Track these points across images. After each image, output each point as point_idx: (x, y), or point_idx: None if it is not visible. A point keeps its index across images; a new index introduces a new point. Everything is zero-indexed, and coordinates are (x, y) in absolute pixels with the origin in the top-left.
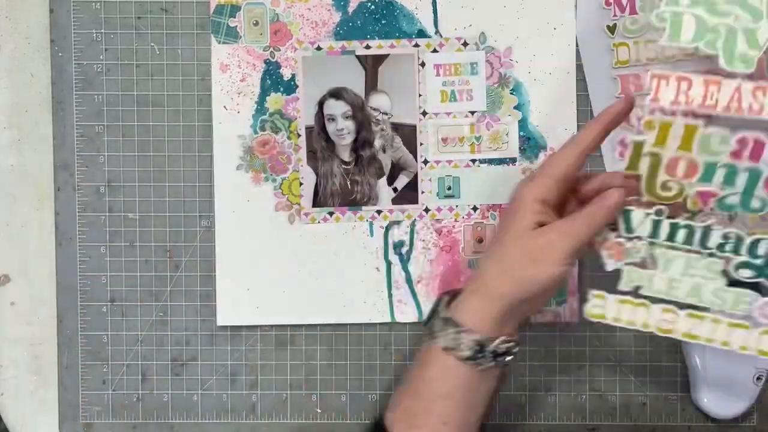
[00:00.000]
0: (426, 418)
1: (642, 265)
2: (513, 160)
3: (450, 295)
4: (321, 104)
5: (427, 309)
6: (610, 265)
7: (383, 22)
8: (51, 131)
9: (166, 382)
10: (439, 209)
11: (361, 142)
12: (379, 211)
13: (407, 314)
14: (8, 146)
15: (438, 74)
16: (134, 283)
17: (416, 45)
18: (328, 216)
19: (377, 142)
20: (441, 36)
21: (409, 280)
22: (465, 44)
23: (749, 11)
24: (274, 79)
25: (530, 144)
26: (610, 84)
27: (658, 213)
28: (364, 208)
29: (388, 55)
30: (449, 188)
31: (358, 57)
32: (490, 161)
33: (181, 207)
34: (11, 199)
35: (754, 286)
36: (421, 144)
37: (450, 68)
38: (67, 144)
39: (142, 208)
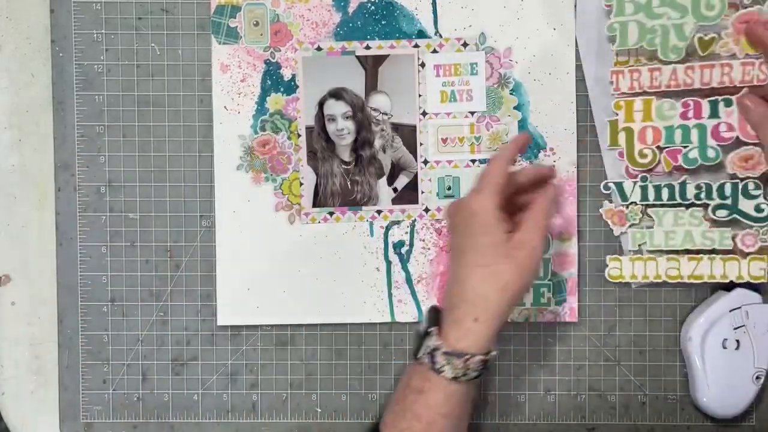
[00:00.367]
0: None
1: (642, 226)
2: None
3: (432, 318)
4: (321, 104)
5: (427, 309)
6: (616, 231)
7: (383, 22)
8: (52, 131)
9: (166, 382)
10: (439, 209)
11: (361, 143)
12: (379, 211)
13: (407, 314)
14: (9, 146)
15: (438, 74)
16: (135, 283)
17: (416, 45)
18: (328, 216)
19: (377, 143)
20: (441, 36)
21: (409, 280)
22: (465, 45)
23: (677, 9)
24: (274, 80)
25: (530, 144)
26: (609, 84)
27: (643, 179)
28: (364, 208)
29: (388, 55)
30: (449, 188)
31: (358, 57)
32: None
33: (181, 207)
34: (12, 199)
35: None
36: (421, 144)
37: (450, 68)
38: (67, 144)
39: (142, 208)
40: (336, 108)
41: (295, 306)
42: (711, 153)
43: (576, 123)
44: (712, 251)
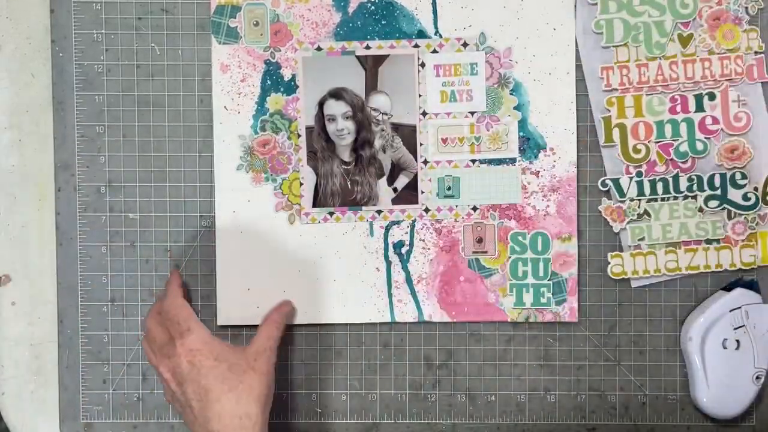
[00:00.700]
0: None
1: (640, 221)
2: (513, 161)
3: None
4: (321, 104)
5: (426, 309)
6: (616, 228)
7: (383, 22)
8: (52, 131)
9: None
10: (439, 209)
11: (361, 143)
12: (379, 211)
13: (407, 314)
14: (9, 146)
15: (438, 75)
16: (135, 283)
17: (416, 45)
18: (328, 216)
19: (377, 143)
20: (441, 36)
21: (409, 280)
22: (465, 45)
23: (656, 7)
24: (274, 80)
25: (530, 144)
26: (600, 80)
27: (638, 175)
28: (364, 208)
29: (388, 55)
30: (449, 188)
31: (358, 57)
32: (490, 161)
33: (181, 207)
34: (12, 199)
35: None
36: (421, 144)
37: (450, 69)
38: (67, 144)
39: (142, 208)
40: (336, 108)
41: (295, 306)
42: (699, 146)
43: (576, 123)
44: (707, 242)
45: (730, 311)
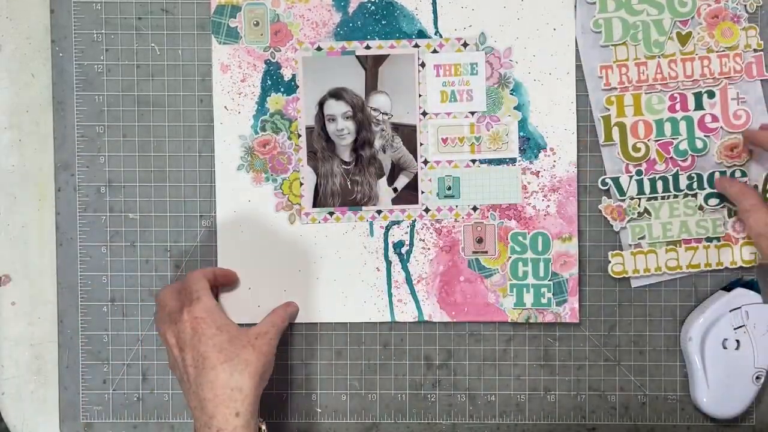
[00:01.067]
0: None
1: (640, 220)
2: (513, 161)
3: None
4: (321, 104)
5: (426, 309)
6: (616, 226)
7: (383, 22)
8: (52, 131)
9: (166, 382)
10: (439, 209)
11: (361, 143)
12: (379, 211)
13: (407, 314)
14: (9, 146)
15: (438, 74)
16: (135, 283)
17: (416, 45)
18: (328, 216)
19: (377, 143)
20: (441, 36)
21: (408, 280)
22: (465, 45)
23: (655, 6)
24: (274, 80)
25: (530, 144)
26: (599, 79)
27: (638, 173)
28: (364, 208)
29: (388, 55)
30: (449, 188)
31: (358, 57)
32: (490, 161)
33: (181, 207)
34: (12, 199)
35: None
36: (421, 144)
37: (450, 68)
38: (67, 144)
39: (142, 208)
40: (336, 108)
41: (297, 306)
42: (699, 144)
43: (576, 123)
44: (707, 240)
45: (730, 311)
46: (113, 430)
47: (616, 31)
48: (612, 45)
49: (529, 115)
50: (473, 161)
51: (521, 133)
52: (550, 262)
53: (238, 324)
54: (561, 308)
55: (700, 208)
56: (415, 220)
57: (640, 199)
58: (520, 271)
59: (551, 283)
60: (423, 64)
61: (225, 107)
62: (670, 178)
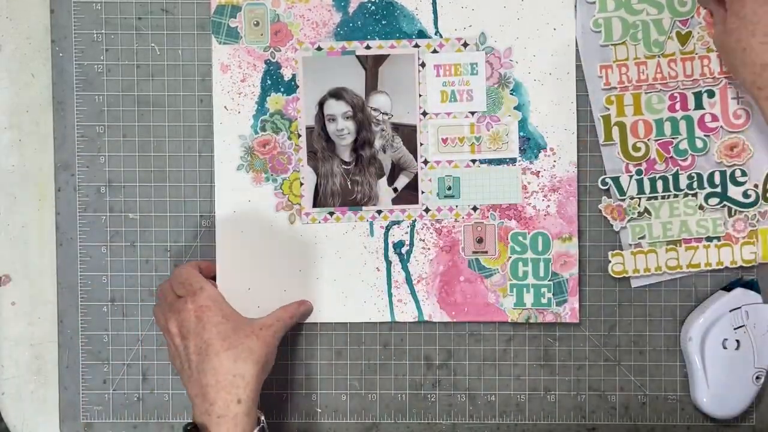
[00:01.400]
0: None
1: (640, 219)
2: (513, 161)
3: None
4: (321, 104)
5: (426, 309)
6: (616, 226)
7: (383, 22)
8: (52, 131)
9: (166, 382)
10: (439, 209)
11: (362, 143)
12: (379, 211)
13: (407, 314)
14: (9, 146)
15: (438, 74)
16: (135, 282)
17: (416, 45)
18: (328, 216)
19: (377, 143)
20: (441, 36)
21: (409, 280)
22: (465, 45)
23: (654, 5)
24: (274, 80)
25: (530, 144)
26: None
27: (638, 173)
28: (364, 208)
29: (388, 55)
30: (449, 188)
31: (358, 57)
32: (491, 161)
33: (181, 207)
34: (12, 199)
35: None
36: (422, 144)
37: (450, 68)
38: (67, 144)
39: (142, 208)
40: (336, 108)
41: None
42: (699, 143)
43: (576, 123)
44: (707, 239)
45: (730, 311)
46: (113, 430)
47: (615, 31)
48: (612, 44)
49: (529, 115)
50: (473, 161)
51: (521, 133)
52: (550, 262)
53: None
54: (561, 308)
55: (700, 207)
56: (415, 220)
57: (640, 198)
58: (520, 271)
59: (551, 283)
60: (423, 64)
61: (225, 107)
62: (670, 178)
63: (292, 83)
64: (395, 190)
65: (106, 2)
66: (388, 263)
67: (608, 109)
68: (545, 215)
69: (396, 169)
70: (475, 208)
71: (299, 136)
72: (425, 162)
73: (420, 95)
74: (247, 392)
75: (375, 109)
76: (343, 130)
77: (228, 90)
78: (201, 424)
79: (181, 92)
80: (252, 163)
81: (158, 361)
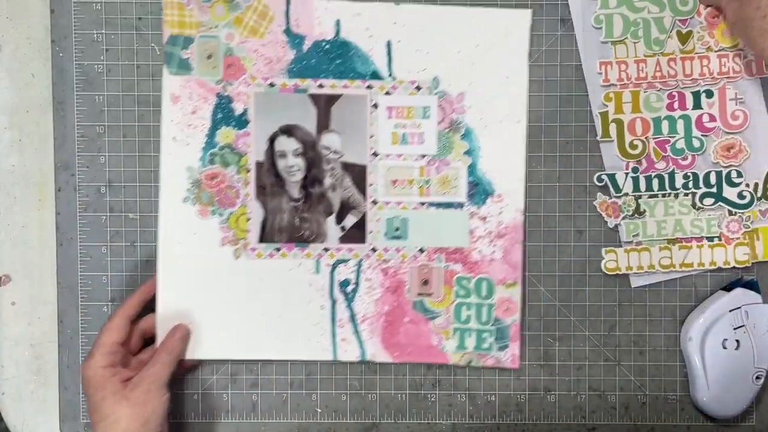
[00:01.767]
0: None
1: (635, 217)
2: (461, 205)
3: None
4: (272, 140)
5: (369, 348)
6: (611, 223)
7: (338, 61)
8: (52, 131)
9: None
10: (386, 249)
11: (311, 180)
12: (326, 249)
13: (350, 353)
14: (9, 146)
15: (390, 116)
16: (135, 283)
17: (369, 86)
18: (274, 252)
19: (327, 181)
20: (394, 79)
21: (353, 319)
22: (418, 88)
23: (656, 4)
24: (225, 113)
25: (478, 189)
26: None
27: (634, 170)
28: (311, 245)
29: (341, 95)
30: (397, 229)
31: (311, 96)
32: (439, 204)
33: None
34: (12, 199)
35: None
36: (371, 184)
37: (402, 111)
38: (67, 144)
39: (142, 208)
40: (287, 144)
41: (238, 341)
42: (696, 143)
43: (525, 170)
44: (701, 239)
45: (730, 311)
46: None
47: (616, 28)
48: (612, 41)
49: (479, 160)
50: (422, 203)
51: (470, 178)
52: (493, 308)
53: (180, 359)
54: (502, 353)
55: (695, 207)
56: (362, 259)
57: (635, 196)
58: (463, 314)
59: (494, 328)
60: (376, 105)
61: (174, 138)
62: (666, 177)
63: (243, 118)
64: (343, 228)
65: (106, 2)
66: (333, 301)
67: (606, 105)
68: (490, 260)
69: (345, 208)
70: (422, 250)
71: (248, 170)
72: (374, 202)
73: (371, 136)
74: None
75: (326, 148)
76: (293, 166)
77: (177, 121)
78: None
79: None
80: (198, 196)
81: None
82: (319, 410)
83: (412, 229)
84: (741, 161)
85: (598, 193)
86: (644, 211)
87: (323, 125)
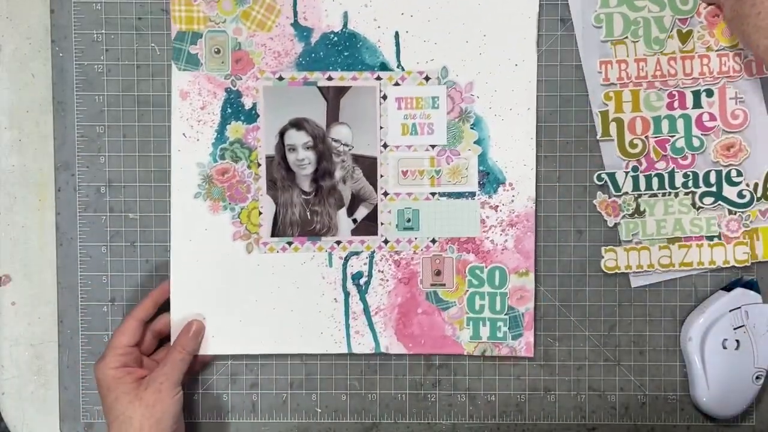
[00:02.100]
0: None
1: (635, 216)
2: (472, 194)
3: None
4: (282, 134)
5: (384, 340)
6: (610, 222)
7: (346, 54)
8: (52, 131)
9: None
10: (398, 241)
11: (322, 173)
12: (338, 242)
13: (364, 345)
14: (9, 146)
15: (399, 107)
16: (135, 283)
17: (378, 78)
18: (286, 246)
19: (338, 173)
20: (403, 69)
21: (366, 311)
22: (427, 78)
23: (656, 2)
24: (234, 108)
25: (489, 179)
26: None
27: (634, 169)
28: (323, 238)
29: (350, 87)
30: (408, 220)
31: (319, 88)
32: (450, 195)
33: None
34: (12, 199)
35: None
36: (382, 176)
37: (411, 102)
38: (67, 144)
39: (142, 208)
40: (297, 138)
41: (252, 336)
42: (696, 142)
43: (535, 159)
44: (701, 238)
45: (730, 311)
46: None
47: (617, 27)
48: (612, 41)
49: (489, 149)
50: (433, 194)
51: (481, 168)
52: (506, 297)
53: (194, 356)
54: (516, 342)
55: (695, 206)
56: (374, 251)
57: (635, 195)
58: (477, 304)
59: (507, 317)
60: (385, 97)
61: (183, 134)
62: (666, 176)
63: (253, 112)
64: (354, 221)
65: (106, 2)
66: (346, 294)
67: (606, 104)
68: (503, 249)
69: (356, 201)
70: (433, 241)
71: (259, 165)
72: (385, 194)
73: (381, 127)
74: None
75: (336, 140)
76: (304, 160)
77: (187, 117)
78: None
79: None
80: (210, 191)
81: None
82: (319, 410)
83: (423, 219)
84: (741, 160)
85: (598, 193)
86: (644, 210)
87: (333, 118)
